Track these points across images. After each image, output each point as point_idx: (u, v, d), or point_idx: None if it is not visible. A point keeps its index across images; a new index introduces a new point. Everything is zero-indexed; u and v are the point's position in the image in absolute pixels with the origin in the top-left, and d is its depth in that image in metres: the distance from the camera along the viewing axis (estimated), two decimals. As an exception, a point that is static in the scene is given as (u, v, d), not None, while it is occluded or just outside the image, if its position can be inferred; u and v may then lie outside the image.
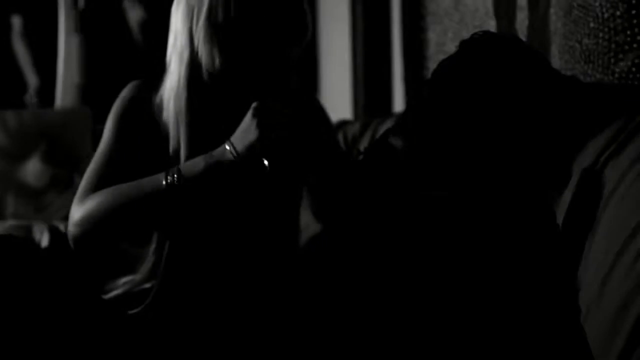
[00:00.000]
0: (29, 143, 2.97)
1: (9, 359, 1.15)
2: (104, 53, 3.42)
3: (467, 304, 1.08)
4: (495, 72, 1.22)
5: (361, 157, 1.35)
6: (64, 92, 3.37)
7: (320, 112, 1.49)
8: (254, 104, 1.23)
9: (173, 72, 1.34)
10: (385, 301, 1.12)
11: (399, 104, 2.68)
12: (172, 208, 1.27)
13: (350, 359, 1.11)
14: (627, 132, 1.16)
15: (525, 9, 1.79)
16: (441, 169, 1.23)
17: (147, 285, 1.38)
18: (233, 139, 1.24)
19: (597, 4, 1.49)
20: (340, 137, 2.21)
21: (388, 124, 2.05)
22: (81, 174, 1.42)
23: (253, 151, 1.22)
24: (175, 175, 1.26)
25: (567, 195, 1.21)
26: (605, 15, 1.46)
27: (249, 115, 1.23)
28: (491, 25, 1.93)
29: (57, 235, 2.33)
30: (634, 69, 1.42)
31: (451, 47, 1.86)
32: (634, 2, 1.40)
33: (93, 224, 1.29)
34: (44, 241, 2.30)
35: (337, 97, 3.05)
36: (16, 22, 3.45)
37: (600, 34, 1.48)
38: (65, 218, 2.62)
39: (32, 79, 3.48)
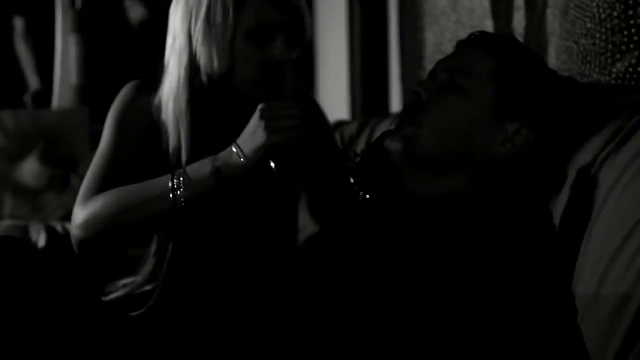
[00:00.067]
0: (26, 143, 2.96)
1: (6, 360, 1.15)
2: (101, 53, 3.42)
3: (464, 305, 1.08)
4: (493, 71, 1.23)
5: (358, 159, 1.35)
6: (62, 92, 3.37)
7: (318, 113, 1.49)
8: (260, 106, 1.22)
9: (172, 73, 1.34)
10: (382, 301, 1.12)
11: (396, 104, 2.68)
12: (177, 210, 1.26)
13: (348, 358, 1.12)
14: (624, 132, 1.17)
15: (522, 9, 1.79)
16: (438, 169, 1.23)
17: (148, 288, 1.38)
18: (239, 141, 1.23)
19: (594, 4, 1.49)
20: (338, 137, 2.21)
21: (385, 124, 2.05)
22: (78, 174, 1.42)
23: (260, 154, 1.21)
24: (182, 178, 1.25)
25: (563, 196, 1.22)
26: (602, 16, 1.47)
27: (255, 118, 1.22)
28: (488, 26, 1.93)
29: (53, 236, 2.33)
30: (630, 70, 1.42)
31: (448, 47, 1.87)
32: (631, 2, 1.41)
33: (97, 227, 1.28)
34: (41, 241, 2.30)
35: (334, 97, 3.05)
36: (18, 23, 3.45)
37: (597, 35, 1.48)
38: (63, 218, 2.64)
39: (33, 81, 3.48)
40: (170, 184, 1.25)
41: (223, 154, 1.24)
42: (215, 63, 1.29)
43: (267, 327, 1.25)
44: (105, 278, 1.45)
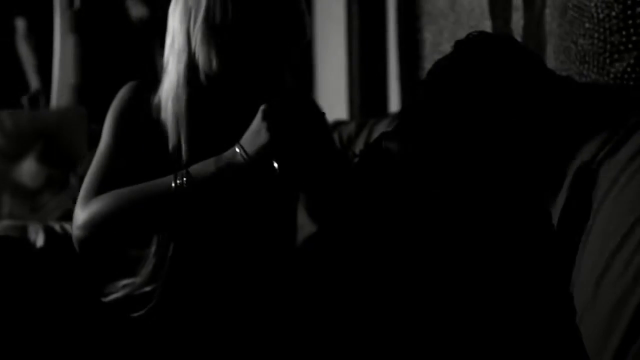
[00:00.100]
0: (25, 143, 2.96)
1: (5, 360, 1.15)
2: (99, 53, 3.42)
3: (463, 305, 1.08)
4: (490, 72, 1.23)
5: (356, 159, 1.35)
6: (60, 92, 3.37)
7: (318, 113, 1.49)
8: (262, 106, 1.22)
9: (171, 73, 1.34)
10: (380, 301, 1.12)
11: (394, 104, 2.69)
12: (181, 211, 1.26)
13: (347, 358, 1.12)
14: (622, 132, 1.17)
15: (521, 10, 1.79)
16: (436, 170, 1.23)
17: (148, 289, 1.37)
18: (243, 141, 1.23)
19: (592, 4, 1.49)
20: (336, 137, 2.21)
21: (384, 124, 2.05)
22: (77, 174, 1.42)
23: (264, 154, 1.21)
24: (185, 178, 1.25)
25: (562, 196, 1.22)
26: (601, 16, 1.47)
27: (258, 118, 1.21)
28: (487, 26, 1.93)
29: (52, 236, 2.33)
30: (629, 70, 1.42)
31: (447, 47, 1.87)
32: (629, 2, 1.41)
33: (99, 227, 1.27)
34: (39, 241, 2.30)
35: (333, 97, 3.05)
36: (20, 24, 3.45)
37: (596, 35, 1.49)
38: (61, 218, 2.64)
39: (34, 82, 3.48)
40: (173, 184, 1.25)
41: (226, 154, 1.24)
42: (215, 63, 1.29)
43: (267, 327, 1.25)
44: (105, 279, 1.45)
